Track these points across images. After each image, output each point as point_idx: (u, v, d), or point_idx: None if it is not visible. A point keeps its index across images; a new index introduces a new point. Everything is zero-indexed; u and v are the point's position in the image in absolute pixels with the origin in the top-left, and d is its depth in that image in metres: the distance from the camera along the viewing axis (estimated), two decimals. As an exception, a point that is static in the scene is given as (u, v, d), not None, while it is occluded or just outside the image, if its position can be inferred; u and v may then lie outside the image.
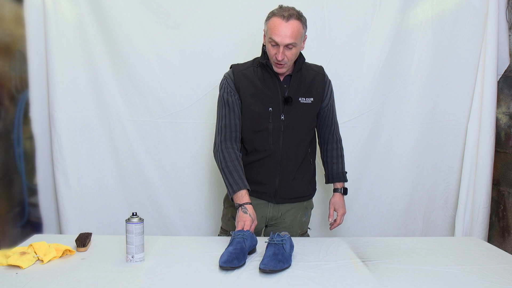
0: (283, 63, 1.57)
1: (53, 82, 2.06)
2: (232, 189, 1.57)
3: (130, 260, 1.39)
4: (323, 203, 2.28)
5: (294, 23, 1.51)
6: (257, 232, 1.76)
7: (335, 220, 1.82)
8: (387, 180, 2.30)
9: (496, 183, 2.20)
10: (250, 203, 1.56)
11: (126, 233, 1.40)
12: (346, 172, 1.86)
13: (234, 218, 1.70)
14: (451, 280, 1.31)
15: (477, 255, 1.54)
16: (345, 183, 1.86)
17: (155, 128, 2.21)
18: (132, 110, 2.19)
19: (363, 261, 1.45)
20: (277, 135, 1.65)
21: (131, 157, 2.22)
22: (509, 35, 2.15)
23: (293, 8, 1.55)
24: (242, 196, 1.56)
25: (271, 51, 1.56)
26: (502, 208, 2.18)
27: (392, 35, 2.15)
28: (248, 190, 1.58)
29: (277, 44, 1.53)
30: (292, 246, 1.47)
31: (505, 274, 1.35)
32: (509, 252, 1.62)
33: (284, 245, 1.40)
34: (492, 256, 1.53)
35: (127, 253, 1.40)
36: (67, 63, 2.09)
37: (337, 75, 2.21)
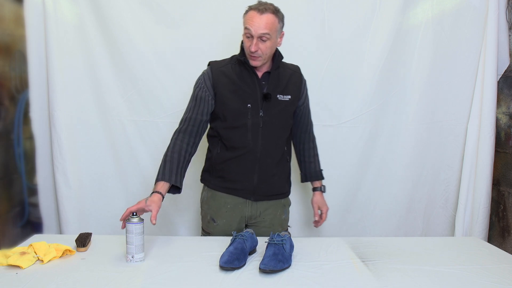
0: (256, 55, 1.58)
1: (53, 82, 2.06)
2: (157, 176, 1.58)
3: (130, 260, 1.39)
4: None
5: (268, 16, 1.55)
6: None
7: (320, 217, 1.86)
8: (387, 180, 2.30)
9: (496, 183, 2.20)
10: (161, 194, 1.54)
11: (126, 233, 1.40)
12: (322, 170, 1.89)
13: (214, 220, 1.73)
14: (451, 280, 1.31)
15: (477, 255, 1.54)
16: (324, 181, 1.90)
17: (155, 128, 2.21)
18: (132, 110, 2.19)
19: (363, 261, 1.45)
20: (256, 131, 1.65)
21: (131, 157, 2.22)
22: (509, 35, 2.15)
23: (271, 4, 1.59)
24: (158, 186, 1.55)
25: (246, 43, 1.59)
26: (502, 208, 2.18)
27: (392, 35, 2.15)
28: (171, 185, 1.57)
29: (251, 36, 1.56)
30: (292, 246, 1.47)
31: (505, 274, 1.35)
32: (509, 252, 1.62)
33: (284, 245, 1.40)
34: (492, 256, 1.53)
35: (127, 253, 1.40)
36: (67, 63, 2.09)
37: (337, 75, 2.22)
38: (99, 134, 2.19)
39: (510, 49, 2.15)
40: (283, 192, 1.80)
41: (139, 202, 1.49)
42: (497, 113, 2.15)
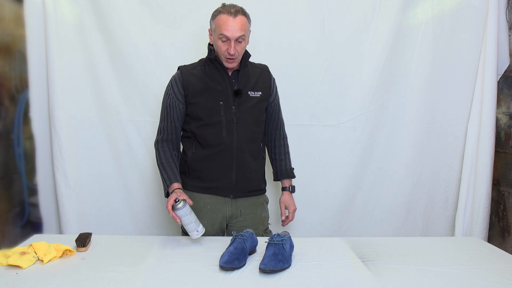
0: (234, 57, 1.62)
1: (53, 82, 2.06)
2: (166, 183, 1.65)
3: (196, 235, 1.53)
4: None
5: (241, 18, 1.60)
6: (221, 233, 1.77)
7: (287, 217, 1.88)
8: (387, 180, 2.30)
9: (496, 183, 2.20)
10: (181, 189, 1.62)
11: (181, 218, 1.51)
12: (293, 168, 1.89)
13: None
14: (451, 280, 1.31)
15: (477, 255, 1.54)
16: (293, 181, 1.91)
17: (155, 128, 2.19)
18: (132, 110, 2.19)
19: (363, 261, 1.45)
20: (231, 127, 1.68)
21: (131, 157, 2.22)
22: (509, 35, 2.15)
23: (236, 5, 1.63)
24: (174, 186, 1.62)
25: (222, 47, 1.62)
26: (502, 208, 2.18)
27: (392, 35, 2.15)
28: (180, 184, 1.65)
29: (228, 39, 1.59)
30: (292, 246, 1.47)
31: (505, 274, 1.35)
32: (509, 252, 1.62)
33: (284, 245, 1.40)
34: (492, 256, 1.53)
35: (190, 232, 1.54)
36: (67, 63, 2.09)
37: (337, 75, 2.22)
38: (99, 134, 2.19)
39: (510, 49, 2.15)
40: (261, 188, 1.83)
41: (170, 198, 1.55)
42: (497, 113, 2.15)
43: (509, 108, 2.14)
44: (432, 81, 2.21)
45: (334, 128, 2.25)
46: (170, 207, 1.51)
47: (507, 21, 2.13)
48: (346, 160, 2.27)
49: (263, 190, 1.84)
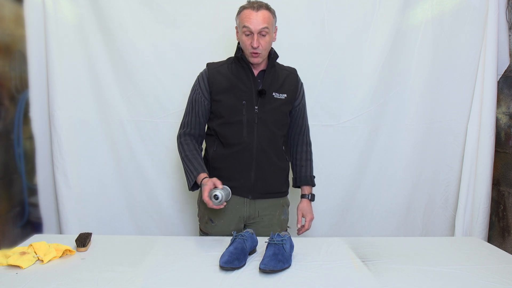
0: (258, 51, 1.62)
1: (53, 82, 2.06)
2: (193, 174, 1.62)
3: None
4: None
5: (264, 12, 1.61)
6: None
7: (303, 226, 1.83)
8: (386, 180, 2.30)
9: (496, 183, 2.20)
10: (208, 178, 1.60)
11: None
12: (314, 177, 1.86)
13: (212, 220, 1.73)
14: (451, 280, 1.31)
15: (477, 255, 1.54)
16: (313, 189, 1.88)
17: (155, 128, 2.21)
18: (132, 110, 2.19)
19: (363, 261, 1.45)
20: (251, 127, 1.67)
21: (131, 157, 2.22)
22: (509, 35, 2.15)
23: (263, 1, 1.65)
24: (201, 176, 1.60)
25: (246, 41, 1.62)
26: (502, 208, 2.18)
27: (392, 35, 2.15)
28: (206, 174, 1.62)
29: (251, 33, 1.60)
30: (292, 246, 1.47)
31: (505, 274, 1.35)
32: (509, 252, 1.62)
33: (284, 245, 1.40)
34: (492, 256, 1.53)
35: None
36: (67, 63, 2.09)
37: (337, 75, 2.22)
38: (99, 134, 2.19)
39: (510, 49, 2.15)
40: (281, 191, 1.80)
41: (204, 190, 1.53)
42: (497, 113, 2.15)
43: (509, 108, 2.14)
44: (432, 81, 2.21)
45: (334, 128, 2.25)
46: (208, 200, 1.50)
47: (507, 21, 2.13)
48: (345, 160, 2.28)
49: (284, 193, 1.81)
